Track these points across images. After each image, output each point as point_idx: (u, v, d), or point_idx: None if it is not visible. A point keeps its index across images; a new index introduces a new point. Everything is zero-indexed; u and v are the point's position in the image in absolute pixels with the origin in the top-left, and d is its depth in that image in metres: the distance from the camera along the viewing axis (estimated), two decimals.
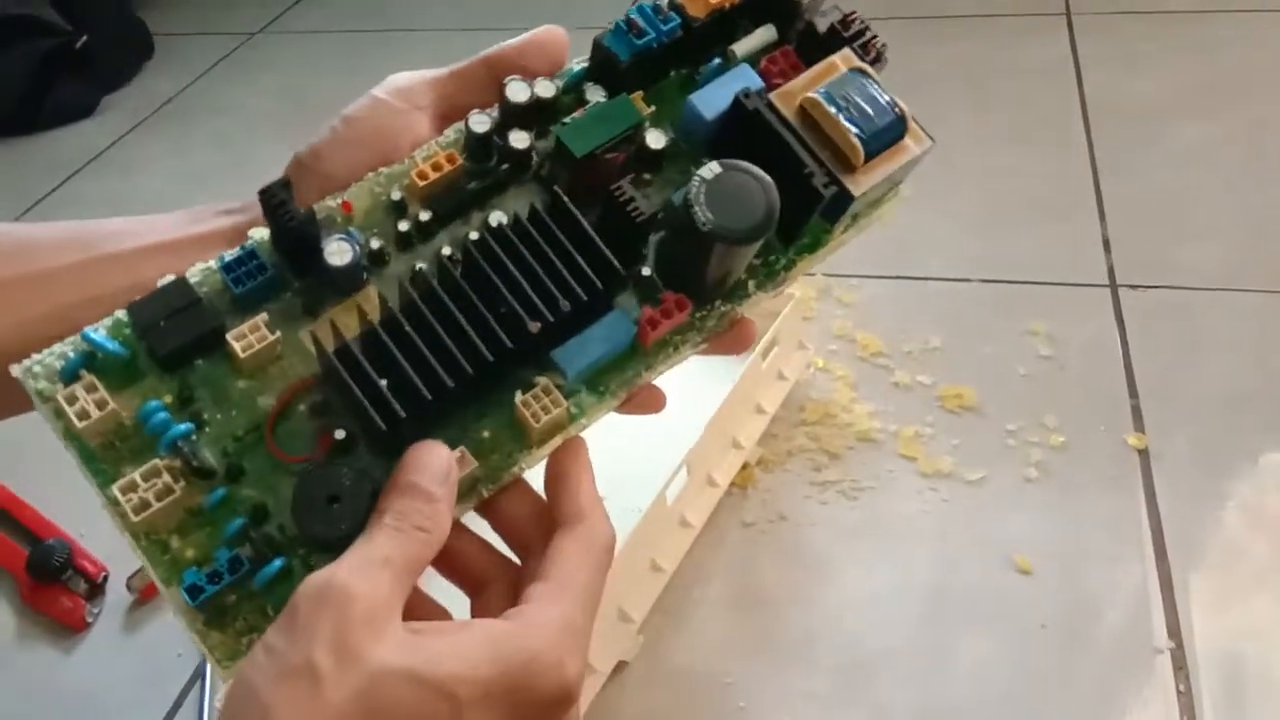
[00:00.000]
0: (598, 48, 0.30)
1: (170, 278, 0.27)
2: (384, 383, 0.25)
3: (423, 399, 0.25)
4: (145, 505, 0.25)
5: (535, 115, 0.29)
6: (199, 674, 0.57)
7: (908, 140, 0.29)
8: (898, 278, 0.77)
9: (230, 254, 0.28)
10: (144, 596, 0.61)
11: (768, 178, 0.26)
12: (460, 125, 0.30)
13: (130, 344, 0.26)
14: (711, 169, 0.26)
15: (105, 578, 0.62)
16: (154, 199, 1.03)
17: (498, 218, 0.28)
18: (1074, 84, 0.97)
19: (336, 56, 1.24)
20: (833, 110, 0.28)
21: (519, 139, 0.29)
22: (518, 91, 0.29)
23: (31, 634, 0.61)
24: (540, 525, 0.28)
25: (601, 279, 0.27)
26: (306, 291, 0.28)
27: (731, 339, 0.30)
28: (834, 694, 0.52)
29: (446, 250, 0.28)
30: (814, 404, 0.67)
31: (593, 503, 0.28)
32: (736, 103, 0.29)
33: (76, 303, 0.29)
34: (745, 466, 0.62)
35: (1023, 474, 0.61)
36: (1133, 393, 0.65)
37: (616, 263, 0.27)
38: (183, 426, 0.26)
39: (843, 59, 0.29)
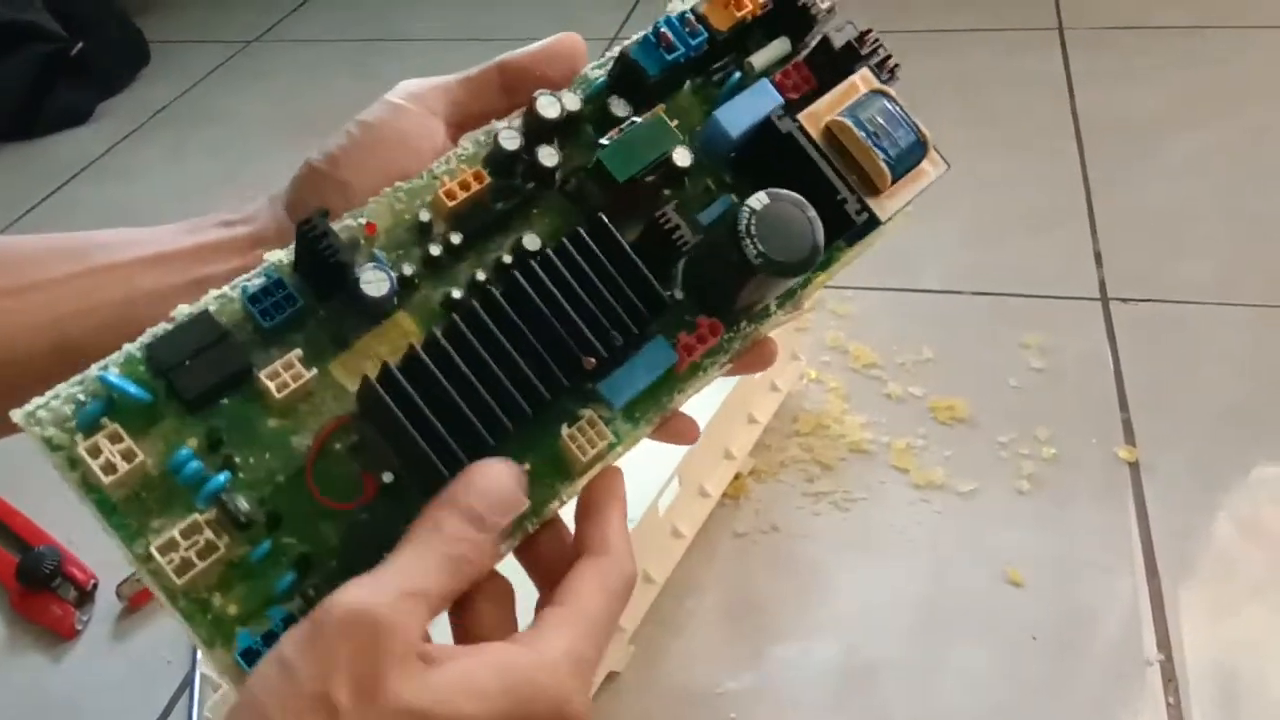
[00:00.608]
0: (625, 60, 0.29)
1: (187, 309, 0.25)
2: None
3: (483, 441, 0.24)
4: (188, 565, 0.23)
5: (558, 129, 0.28)
6: (188, 682, 0.57)
7: (925, 164, 0.29)
8: (891, 289, 0.77)
9: (253, 284, 0.25)
10: (133, 604, 0.61)
11: (812, 209, 0.26)
12: (475, 136, 0.28)
13: (148, 383, 0.24)
14: (760, 200, 0.26)
15: (95, 585, 0.62)
16: (149, 205, 1.03)
17: (533, 241, 0.27)
18: (1066, 97, 0.97)
19: (333, 65, 1.25)
20: (861, 135, 0.28)
21: (548, 155, 0.27)
22: (548, 106, 0.27)
23: (21, 642, 0.60)
24: (566, 557, 0.27)
25: (648, 307, 0.26)
26: (333, 319, 0.26)
27: (754, 358, 0.30)
28: (826, 705, 0.52)
29: (481, 275, 0.27)
30: (807, 415, 0.67)
31: (620, 537, 0.27)
32: (769, 124, 0.28)
33: (69, 315, 0.28)
34: (737, 477, 0.63)
35: (1014, 486, 0.61)
36: (1124, 406, 0.65)
37: (662, 291, 0.26)
38: (221, 477, 0.24)
39: (863, 79, 0.29)
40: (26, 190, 1.07)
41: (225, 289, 0.25)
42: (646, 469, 0.52)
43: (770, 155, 0.28)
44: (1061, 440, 0.63)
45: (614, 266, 0.26)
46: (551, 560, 0.27)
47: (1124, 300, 0.73)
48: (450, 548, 0.23)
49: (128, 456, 0.23)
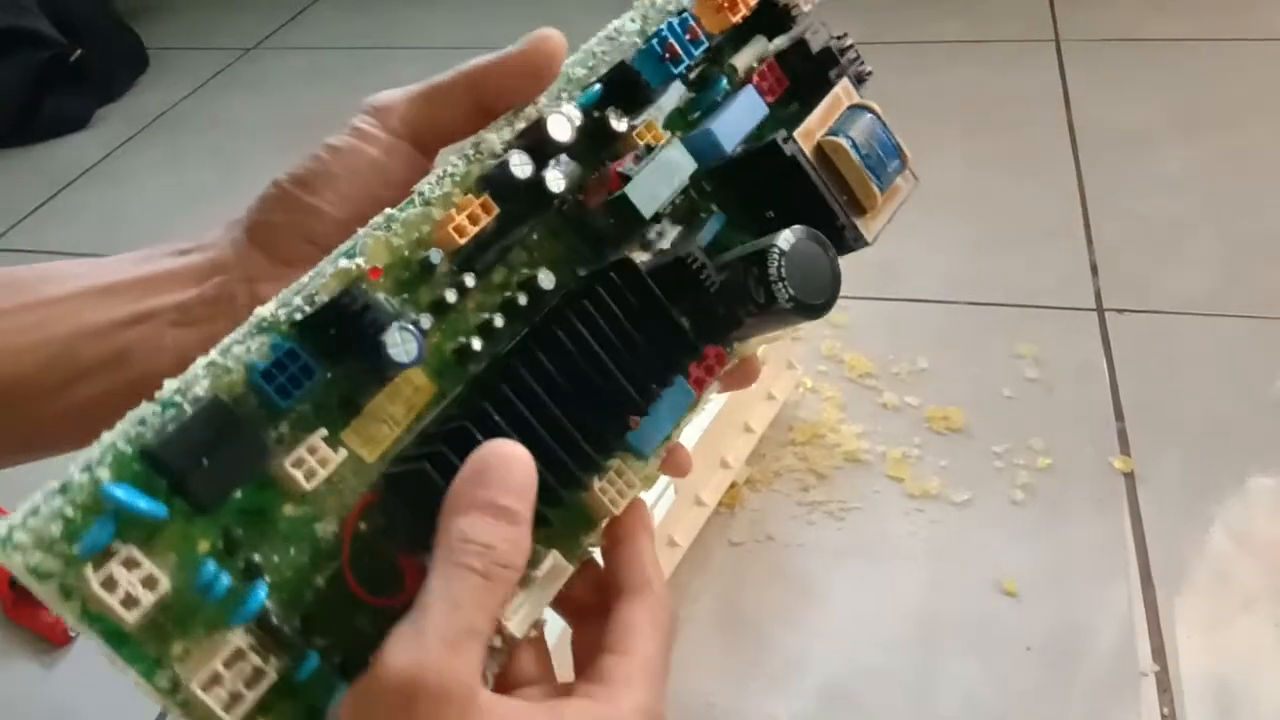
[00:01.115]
0: (625, 70, 0.27)
1: (174, 384, 0.21)
2: None
3: (541, 516, 0.22)
4: (238, 698, 0.20)
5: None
6: None
7: (900, 180, 0.29)
8: (886, 299, 0.77)
9: (259, 355, 0.22)
10: None
11: (832, 248, 0.25)
12: (464, 152, 0.26)
13: (157, 492, 0.20)
14: (787, 240, 0.24)
15: None
16: (146, 212, 1.03)
17: (548, 280, 0.25)
18: (1062, 109, 0.98)
19: (332, 73, 1.25)
20: (856, 158, 0.28)
21: (556, 181, 0.25)
22: (560, 129, 0.25)
23: (12, 648, 0.60)
24: (597, 591, 0.26)
25: (680, 352, 0.25)
26: (340, 381, 0.23)
27: (741, 376, 0.29)
28: (819, 716, 0.52)
29: (498, 321, 0.25)
30: (802, 424, 0.67)
31: (657, 570, 0.26)
32: (773, 145, 0.27)
33: (11, 351, 0.27)
34: (733, 486, 0.63)
35: (1009, 496, 0.61)
36: (1119, 416, 0.65)
37: (691, 336, 0.25)
38: (260, 591, 0.21)
39: (844, 91, 0.29)
40: (24, 196, 1.07)
41: (216, 356, 0.21)
42: None
43: (766, 174, 0.28)
44: (1057, 450, 0.63)
45: (645, 312, 0.25)
46: (581, 595, 0.26)
47: (1119, 311, 0.74)
48: (482, 561, 0.20)
49: (150, 584, 0.19)
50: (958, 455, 0.64)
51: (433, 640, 0.19)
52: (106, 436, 0.20)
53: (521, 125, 0.26)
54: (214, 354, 0.21)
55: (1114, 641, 0.53)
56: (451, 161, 0.26)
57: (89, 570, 0.19)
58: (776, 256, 0.24)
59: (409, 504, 0.22)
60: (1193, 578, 0.56)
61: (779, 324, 0.26)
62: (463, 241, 0.24)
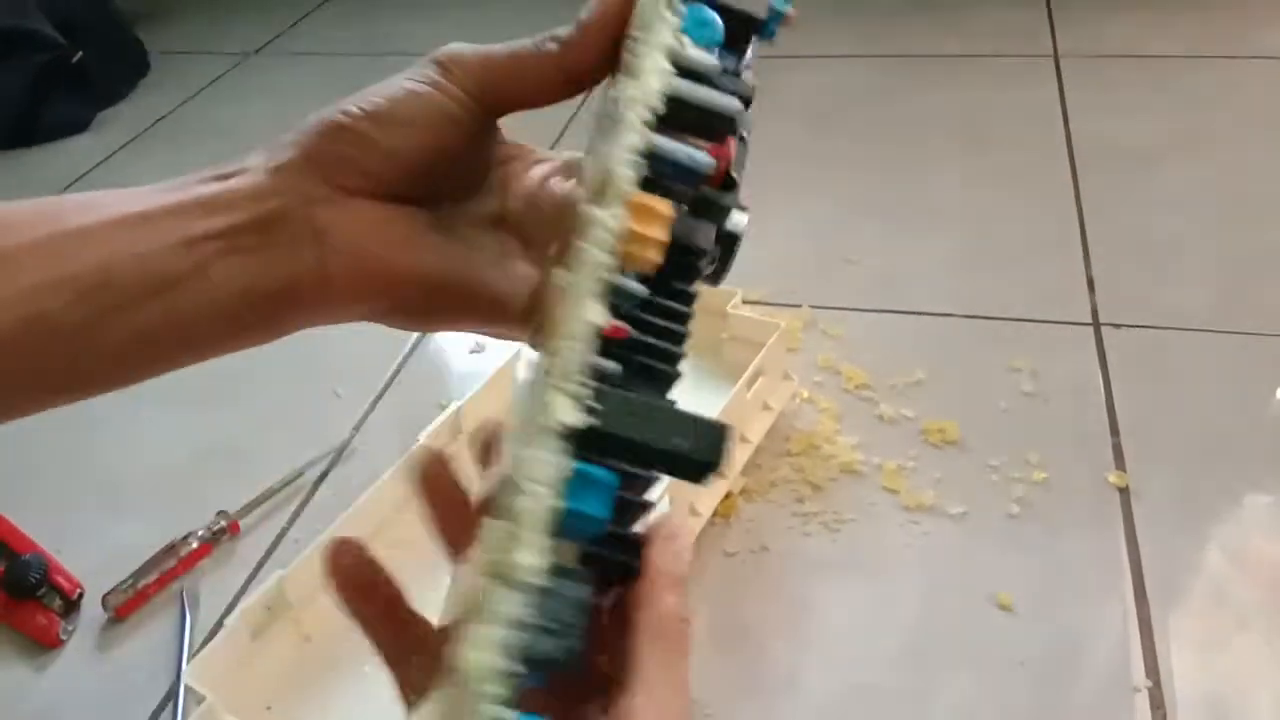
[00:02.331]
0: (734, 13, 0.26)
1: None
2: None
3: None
4: None
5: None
6: (171, 694, 0.56)
7: None
8: (884, 311, 0.78)
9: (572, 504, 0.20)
10: (119, 614, 0.60)
11: None
12: (622, 158, 0.23)
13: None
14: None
15: (81, 594, 0.62)
16: None
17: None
18: (1061, 125, 0.98)
19: (333, 79, 1.25)
20: None
21: (737, 224, 0.25)
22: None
23: (4, 651, 0.60)
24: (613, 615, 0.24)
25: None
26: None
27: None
28: None
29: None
30: (798, 435, 0.67)
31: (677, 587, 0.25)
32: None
33: (40, 285, 0.24)
34: (728, 496, 0.62)
35: (1004, 509, 0.61)
36: (1114, 431, 0.65)
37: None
38: None
39: None
40: (25, 198, 1.07)
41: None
42: None
43: None
44: (1052, 464, 0.63)
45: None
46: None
47: (1116, 326, 0.74)
48: (680, 633, 0.21)
49: None
50: (953, 468, 0.64)
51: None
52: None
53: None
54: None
55: (1108, 656, 0.53)
56: (620, 171, 0.23)
57: None
58: None
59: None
60: (1187, 593, 0.56)
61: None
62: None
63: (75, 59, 1.19)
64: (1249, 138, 0.93)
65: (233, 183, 0.26)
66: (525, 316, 0.28)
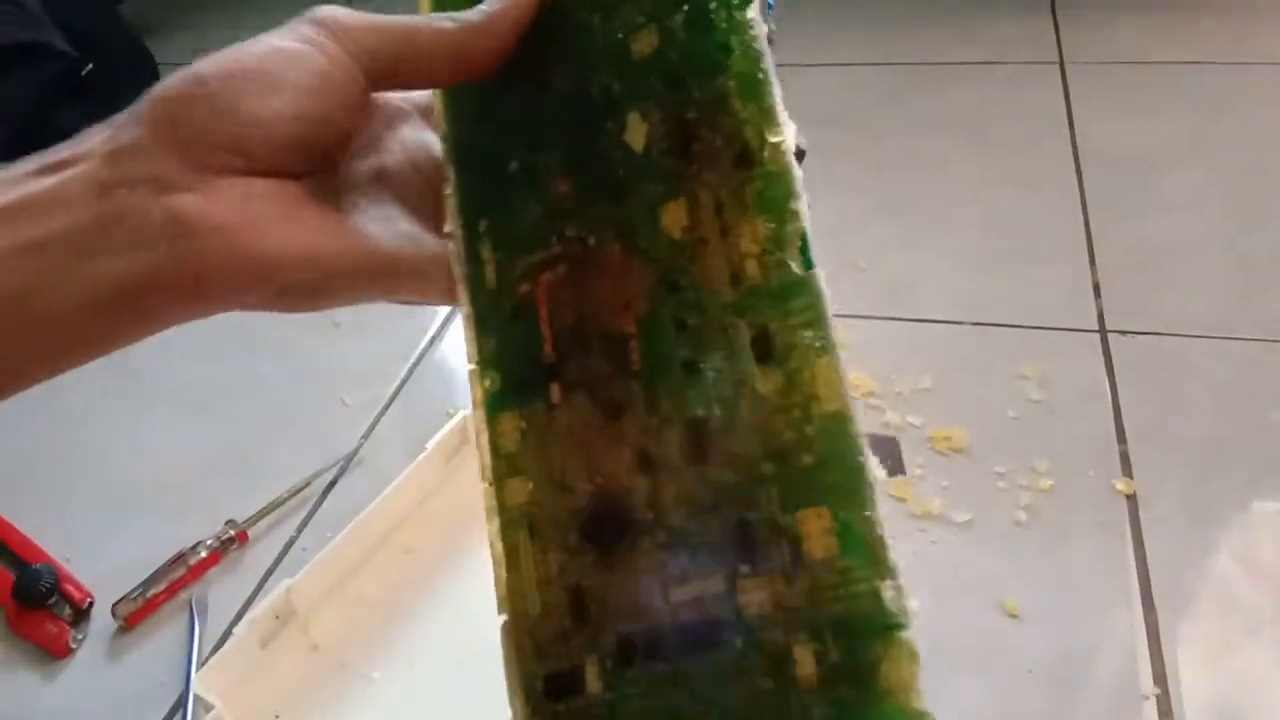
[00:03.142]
0: None
1: None
2: None
3: None
4: None
5: None
6: (181, 703, 0.57)
7: None
8: (890, 318, 0.78)
9: None
10: (129, 623, 0.61)
11: None
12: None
13: None
14: None
15: (90, 604, 0.62)
16: None
17: None
18: (1067, 131, 0.98)
19: None
20: None
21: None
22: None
23: (14, 660, 0.60)
24: None
25: None
26: None
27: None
28: None
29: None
30: None
31: None
32: None
33: None
34: None
35: (1012, 517, 0.61)
36: (1121, 438, 0.65)
37: None
38: None
39: None
40: None
41: None
42: None
43: None
44: (1059, 472, 0.63)
45: None
46: None
47: (1123, 333, 0.74)
48: None
49: None
50: (960, 476, 0.64)
51: None
52: None
53: None
54: None
55: (1116, 664, 0.53)
56: None
57: None
58: None
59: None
60: (1195, 601, 0.55)
61: None
62: None
63: (84, 70, 1.20)
64: (1255, 143, 0.93)
65: (67, 175, 0.22)
66: (425, 279, 0.26)
